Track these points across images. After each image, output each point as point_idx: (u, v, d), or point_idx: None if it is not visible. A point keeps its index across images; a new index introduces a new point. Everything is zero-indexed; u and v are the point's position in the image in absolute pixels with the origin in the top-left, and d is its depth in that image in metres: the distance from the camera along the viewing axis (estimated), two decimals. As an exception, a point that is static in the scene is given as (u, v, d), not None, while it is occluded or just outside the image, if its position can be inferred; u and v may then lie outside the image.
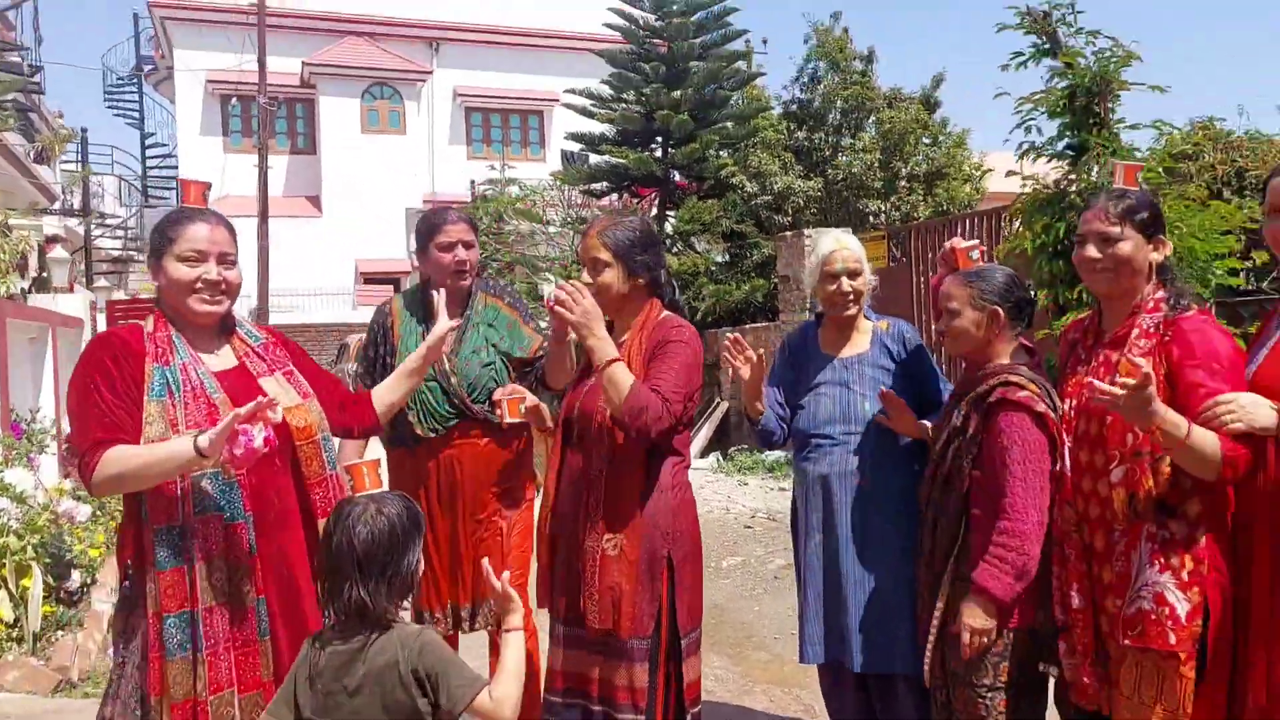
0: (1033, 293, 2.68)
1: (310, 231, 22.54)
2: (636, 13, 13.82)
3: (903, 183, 13.45)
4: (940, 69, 16.45)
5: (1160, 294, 2.23)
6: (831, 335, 2.93)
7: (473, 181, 19.90)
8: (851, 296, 2.81)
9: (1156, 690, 2.08)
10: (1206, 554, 2.09)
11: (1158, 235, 2.25)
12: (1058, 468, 2.29)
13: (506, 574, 2.00)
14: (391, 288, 18.67)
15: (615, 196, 14.78)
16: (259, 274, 15.72)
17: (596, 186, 14.09)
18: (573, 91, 14.47)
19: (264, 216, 15.77)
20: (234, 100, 21.84)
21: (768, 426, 2.90)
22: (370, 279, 22.41)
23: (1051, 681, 2.43)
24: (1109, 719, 2.22)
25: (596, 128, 14.21)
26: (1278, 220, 2.10)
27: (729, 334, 3.07)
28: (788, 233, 11.51)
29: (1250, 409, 1.96)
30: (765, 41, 14.62)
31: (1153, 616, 2.06)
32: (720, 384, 12.20)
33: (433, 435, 2.96)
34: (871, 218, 13.16)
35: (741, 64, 14.16)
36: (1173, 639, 2.05)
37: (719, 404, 12.09)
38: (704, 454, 11.42)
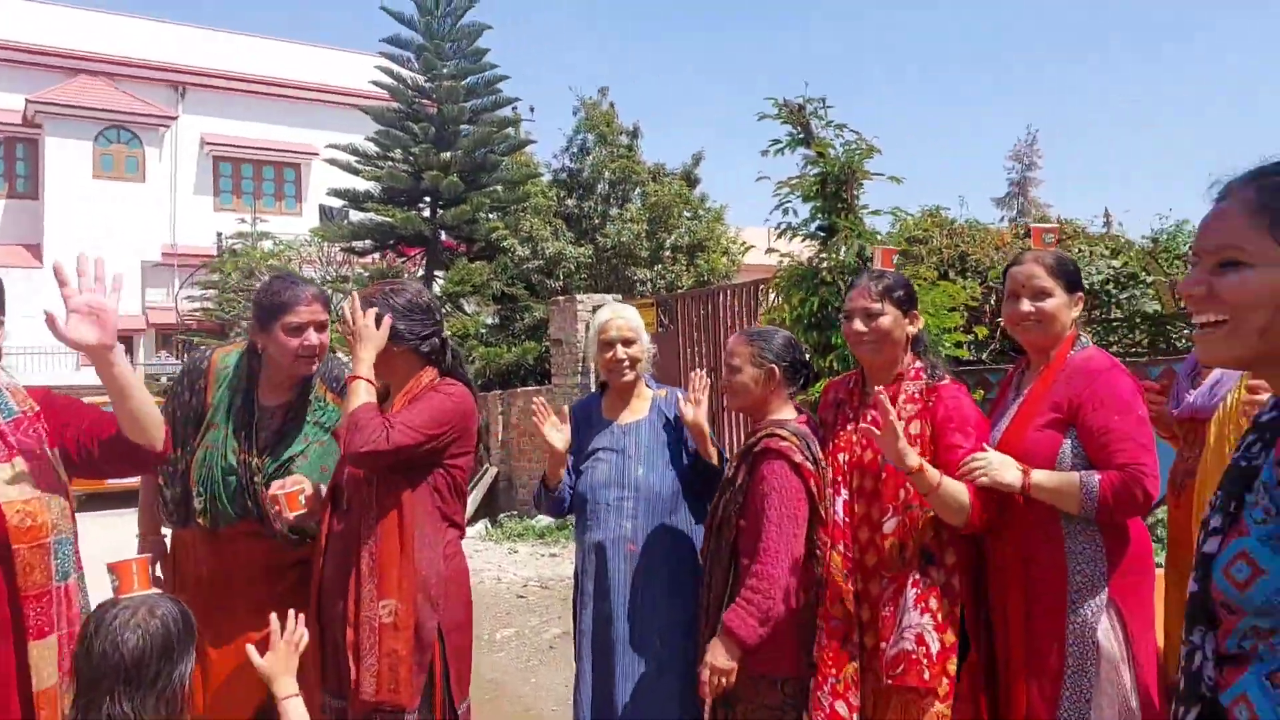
0: (808, 357, 2.84)
1: (28, 284, 20.24)
2: (405, 72, 13.67)
3: (667, 253, 14.03)
4: (700, 147, 17.36)
5: (919, 364, 2.48)
6: (613, 402, 2.98)
7: (219, 234, 18.75)
8: (627, 364, 2.87)
9: None
10: (960, 599, 2.30)
11: (912, 310, 2.50)
12: (825, 513, 2.43)
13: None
14: (123, 347, 17.03)
15: (378, 255, 14.39)
16: (-37, 329, 13.89)
17: (360, 244, 13.64)
18: (336, 147, 14.02)
19: (-27, 265, 14.01)
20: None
21: (561, 494, 2.90)
22: (99, 337, 20.40)
23: None
24: None
25: (361, 184, 13.81)
26: (1014, 304, 2.39)
27: (536, 397, 3.06)
28: (560, 297, 11.65)
29: (998, 468, 2.21)
30: (533, 110, 14.94)
31: (913, 656, 2.24)
32: (490, 449, 12.03)
33: (214, 528, 2.62)
34: (639, 285, 13.60)
35: (511, 130, 14.30)
36: (928, 675, 2.23)
37: (488, 469, 11.91)
38: (472, 521, 11.18)
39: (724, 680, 2.36)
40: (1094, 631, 2.18)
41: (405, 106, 13.58)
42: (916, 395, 2.41)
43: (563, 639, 5.99)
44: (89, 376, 11.92)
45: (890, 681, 2.28)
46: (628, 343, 2.86)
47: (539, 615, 6.59)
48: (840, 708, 2.32)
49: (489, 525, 10.81)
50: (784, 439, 2.47)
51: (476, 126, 13.64)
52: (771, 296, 7.26)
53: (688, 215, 14.67)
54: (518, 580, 7.85)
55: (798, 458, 2.43)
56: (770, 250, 6.72)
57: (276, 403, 2.70)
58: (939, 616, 2.26)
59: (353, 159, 13.74)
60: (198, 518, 2.60)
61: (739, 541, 2.49)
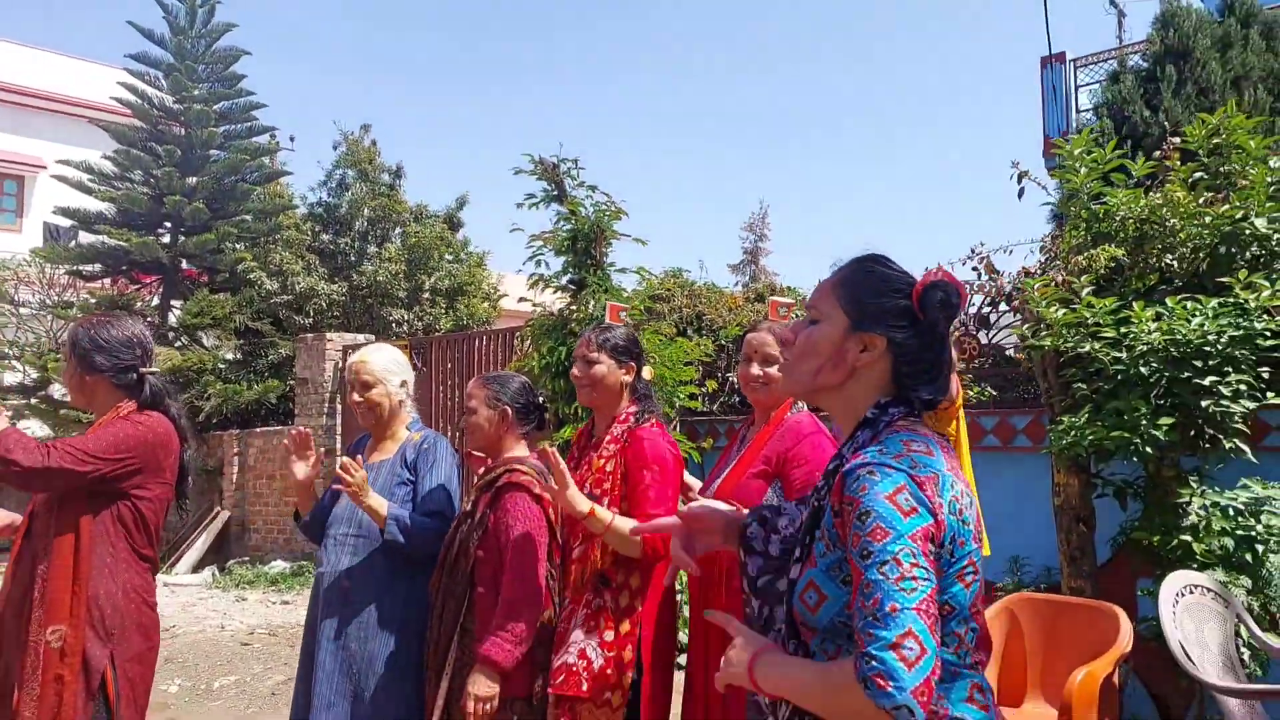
0: (543, 401, 3.05)
1: None
2: (152, 91, 12.85)
3: (426, 295, 13.92)
4: (464, 191, 17.46)
5: (633, 408, 2.74)
6: (372, 443, 3.07)
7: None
8: (364, 408, 2.96)
9: None
10: (642, 618, 2.56)
11: (629, 361, 2.76)
12: (559, 539, 2.65)
13: None
14: None
15: (109, 281, 13.32)
16: None
17: (88, 268, 12.56)
18: (67, 162, 12.90)
19: None
20: None
21: (311, 521, 3.03)
22: None
23: None
24: None
25: (94, 204, 12.76)
26: (747, 366, 2.71)
27: (294, 429, 3.09)
28: (308, 335, 11.29)
29: (569, 497, 2.45)
30: (293, 139, 14.44)
31: (573, 668, 2.49)
32: (222, 491, 11.36)
33: None
34: (395, 325, 13.39)
35: (266, 160, 13.77)
36: (585, 686, 2.47)
37: (219, 513, 11.23)
38: (198, 568, 10.47)
39: (488, 707, 2.49)
40: None
41: (149, 126, 12.73)
42: (619, 436, 2.67)
43: (285, 685, 5.80)
44: None
45: (552, 691, 2.51)
46: (365, 386, 2.95)
47: (263, 663, 6.33)
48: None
49: (216, 573, 10.18)
50: (524, 474, 2.68)
51: (228, 153, 13.02)
52: (524, 343, 7.49)
53: (449, 258, 14.66)
54: (243, 628, 7.47)
55: (537, 489, 2.65)
56: (523, 300, 6.96)
57: None
58: (605, 635, 2.51)
59: (86, 177, 12.67)
60: None
61: (475, 571, 2.63)
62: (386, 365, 3.00)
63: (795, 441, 2.55)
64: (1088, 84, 10.96)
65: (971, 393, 6.04)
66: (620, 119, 63.32)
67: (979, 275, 5.88)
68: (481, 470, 2.86)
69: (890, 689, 1.18)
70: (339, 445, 10.47)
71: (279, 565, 9.79)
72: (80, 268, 12.64)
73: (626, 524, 2.44)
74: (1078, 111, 11.01)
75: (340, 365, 10.64)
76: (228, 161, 12.76)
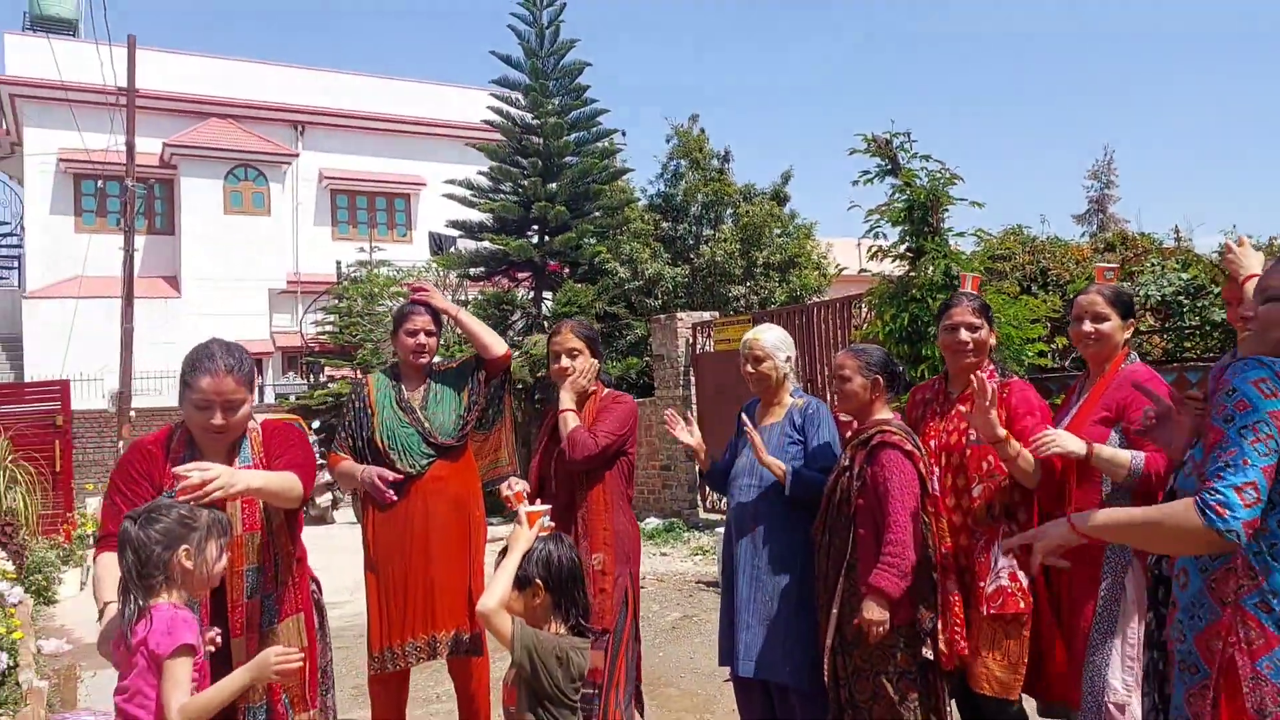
0: (902, 370, 3.52)
1: (168, 312, 22.09)
2: (514, 111, 14.69)
3: (760, 270, 14.70)
4: (788, 165, 17.98)
5: (991, 366, 3.17)
6: (761, 408, 3.62)
7: (339, 262, 20.12)
8: (756, 378, 3.55)
9: (1004, 648, 2.95)
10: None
11: (993, 326, 3.22)
12: (930, 490, 3.07)
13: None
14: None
15: (488, 279, 15.45)
16: (122, 358, 15.41)
17: (474, 270, 14.70)
18: (452, 182, 15.13)
19: (129, 299, 15.49)
20: (96, 180, 21.34)
21: (712, 473, 3.69)
22: (232, 360, 22.01)
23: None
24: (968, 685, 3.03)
25: (474, 215, 14.88)
26: (1079, 325, 3.08)
27: (668, 412, 3.81)
28: (660, 315, 12.44)
29: (1065, 440, 2.83)
30: (624, 134, 15.73)
31: (1009, 590, 2.92)
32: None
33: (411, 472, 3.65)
34: (734, 301, 14.31)
35: (610, 160, 15.21)
36: (1022, 604, 2.91)
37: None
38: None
39: (880, 629, 2.91)
40: (1124, 575, 2.83)
41: (514, 142, 14.58)
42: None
43: (683, 621, 6.74)
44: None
45: (991, 611, 2.93)
46: (758, 360, 3.49)
47: (659, 604, 7.34)
48: (956, 638, 2.99)
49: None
50: (895, 433, 3.08)
51: (579, 158, 14.56)
52: (864, 311, 7.90)
53: (778, 233, 15.32)
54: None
55: (909, 447, 3.05)
56: (863, 270, 7.37)
57: (411, 390, 3.81)
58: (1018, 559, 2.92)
59: (468, 193, 14.80)
60: (397, 465, 3.62)
61: (857, 516, 3.06)
62: (775, 342, 3.50)
63: (1133, 389, 2.79)
64: None
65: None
66: (950, 81, 60.36)
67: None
68: (854, 429, 3.36)
69: (1227, 516, 1.60)
70: (693, 413, 11.49)
71: (653, 522, 10.98)
72: (468, 270, 14.76)
73: (1030, 457, 2.86)
74: None
75: (690, 341, 11.65)
76: (580, 166, 14.27)
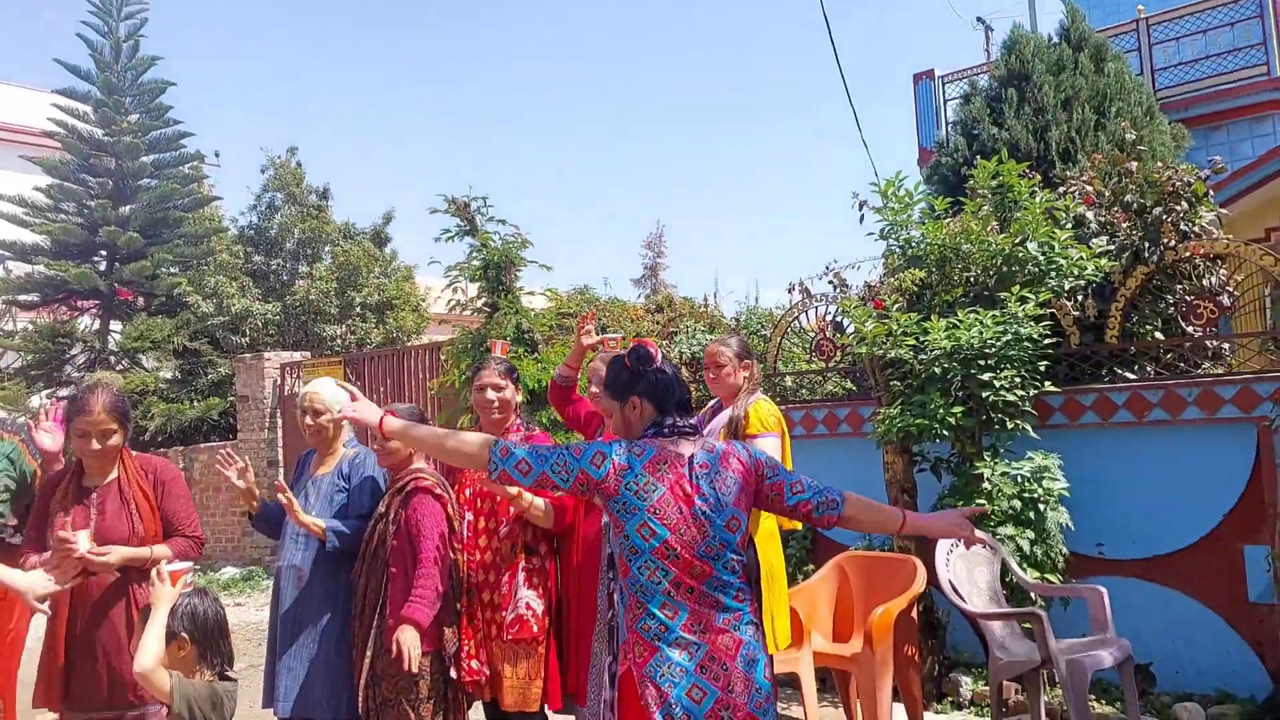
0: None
1: None
2: (81, 125, 13.32)
3: (357, 310, 14.58)
4: (390, 207, 18.09)
5: (518, 421, 3.75)
6: (317, 459, 3.80)
7: None
8: (313, 429, 3.72)
9: (527, 667, 3.45)
10: (551, 577, 3.51)
11: (518, 386, 3.73)
12: (456, 529, 3.49)
13: None
14: None
15: (42, 307, 13.77)
16: None
17: (26, 298, 13.02)
18: (2, 198, 13.32)
19: None
20: None
21: (260, 518, 3.77)
22: None
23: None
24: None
25: (28, 235, 13.21)
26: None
27: (222, 447, 3.85)
28: (246, 354, 11.93)
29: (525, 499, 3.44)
30: (218, 154, 14.81)
31: (525, 618, 3.42)
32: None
33: None
34: (329, 341, 14.05)
35: (196, 186, 14.32)
36: (535, 629, 3.42)
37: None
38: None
39: (414, 652, 3.19)
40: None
41: (80, 159, 13.21)
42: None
43: (246, 670, 6.60)
44: None
45: (510, 638, 3.41)
46: (317, 413, 3.67)
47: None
48: (475, 664, 3.44)
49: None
50: (426, 479, 3.47)
51: (160, 181, 13.54)
52: (442, 360, 8.35)
53: (377, 274, 15.32)
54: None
55: (438, 491, 3.46)
56: (443, 321, 7.83)
57: None
58: (539, 589, 3.45)
59: (20, 210, 13.12)
60: None
61: (391, 555, 3.40)
62: (333, 395, 3.68)
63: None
64: (953, 99, 12.12)
65: (830, 386, 7.11)
66: (529, 147, 63.84)
67: (834, 288, 6.92)
68: (393, 480, 3.65)
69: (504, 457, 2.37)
70: (280, 457, 11.17)
71: (230, 571, 10.48)
72: (17, 297, 13.06)
73: (542, 503, 3.39)
74: (947, 124, 12.17)
75: (279, 382, 11.34)
76: (160, 190, 13.29)
